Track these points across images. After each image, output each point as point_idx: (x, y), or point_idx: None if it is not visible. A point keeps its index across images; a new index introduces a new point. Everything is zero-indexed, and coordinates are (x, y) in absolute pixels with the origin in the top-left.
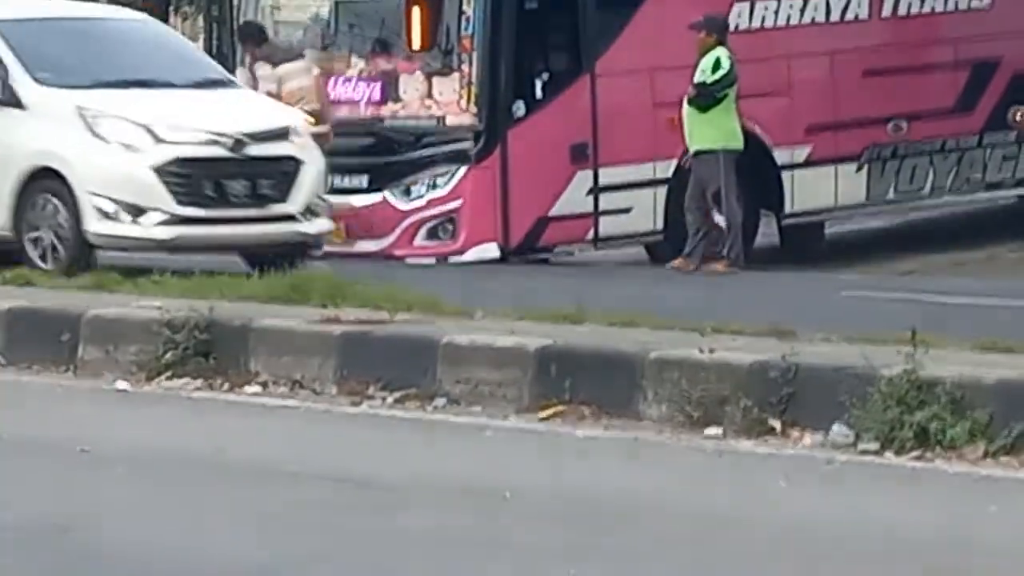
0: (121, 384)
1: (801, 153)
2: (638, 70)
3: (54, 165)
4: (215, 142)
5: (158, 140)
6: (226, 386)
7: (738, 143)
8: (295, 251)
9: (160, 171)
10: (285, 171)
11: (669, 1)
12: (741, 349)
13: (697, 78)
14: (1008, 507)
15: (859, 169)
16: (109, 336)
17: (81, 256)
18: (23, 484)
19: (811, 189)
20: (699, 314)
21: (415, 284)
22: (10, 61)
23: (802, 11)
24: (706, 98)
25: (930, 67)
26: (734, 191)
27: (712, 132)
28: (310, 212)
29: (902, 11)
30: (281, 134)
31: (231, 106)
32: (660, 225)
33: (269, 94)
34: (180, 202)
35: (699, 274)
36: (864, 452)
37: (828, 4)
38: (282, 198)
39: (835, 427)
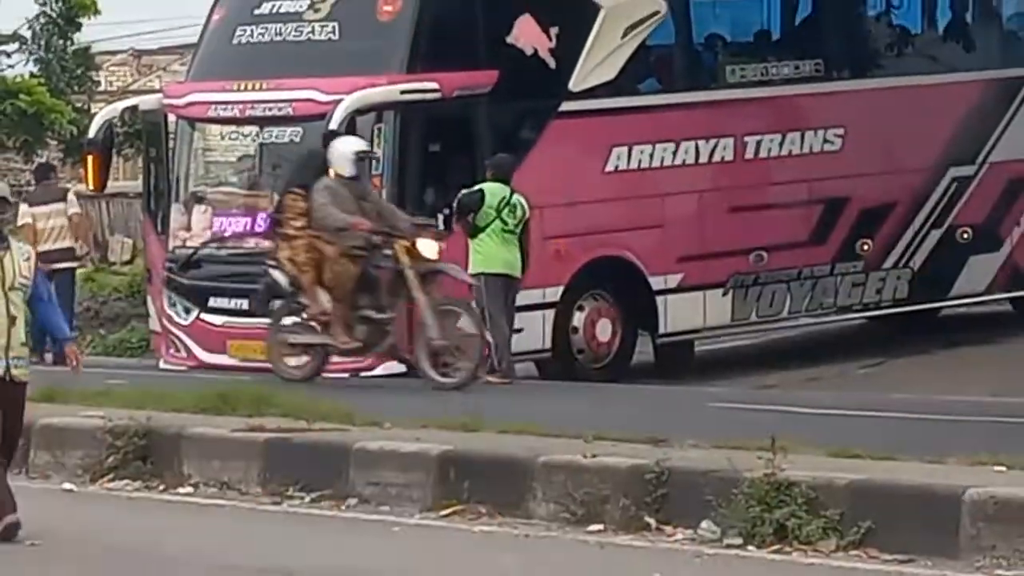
0: (68, 485)
1: (674, 280)
2: (529, 207)
3: None
4: None
5: None
6: (162, 487)
7: (500, 268)
8: None
9: None
10: None
11: (556, 148)
12: (620, 454)
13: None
14: None
15: (725, 294)
16: (57, 442)
17: None
18: None
19: (683, 312)
20: (582, 424)
21: (331, 396)
22: None
23: (674, 154)
24: (464, 226)
25: (787, 204)
26: (498, 311)
27: (476, 257)
28: None
29: (763, 154)
30: None
31: None
32: (548, 344)
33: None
34: None
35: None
36: (729, 546)
37: (697, 148)
38: None
39: (703, 524)
